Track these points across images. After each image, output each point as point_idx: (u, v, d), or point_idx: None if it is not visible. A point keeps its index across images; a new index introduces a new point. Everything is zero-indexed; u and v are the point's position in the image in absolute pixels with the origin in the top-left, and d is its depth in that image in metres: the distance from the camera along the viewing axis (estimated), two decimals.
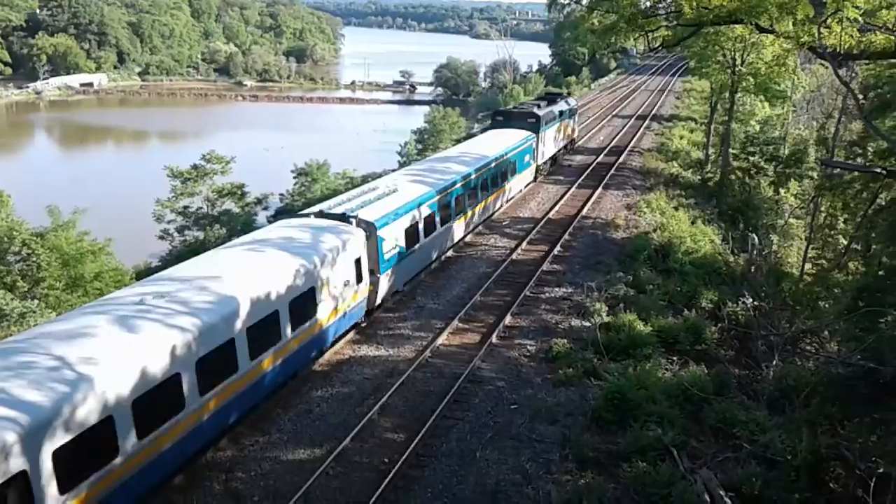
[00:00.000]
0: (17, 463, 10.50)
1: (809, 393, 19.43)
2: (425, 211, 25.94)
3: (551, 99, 50.01)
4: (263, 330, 16.50)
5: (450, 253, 29.36)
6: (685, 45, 48.09)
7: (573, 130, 52.66)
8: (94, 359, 12.53)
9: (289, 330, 17.58)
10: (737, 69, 44.98)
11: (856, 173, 31.22)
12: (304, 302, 18.13)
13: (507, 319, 23.22)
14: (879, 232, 29.71)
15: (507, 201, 37.03)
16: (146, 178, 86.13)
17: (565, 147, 50.42)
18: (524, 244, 31.08)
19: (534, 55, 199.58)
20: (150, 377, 13.10)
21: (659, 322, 23.37)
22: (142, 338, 13.53)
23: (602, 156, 51.74)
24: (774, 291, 28.69)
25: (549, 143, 44.53)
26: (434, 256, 27.63)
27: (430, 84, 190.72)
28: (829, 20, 13.79)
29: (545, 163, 44.46)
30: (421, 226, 25.61)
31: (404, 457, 15.67)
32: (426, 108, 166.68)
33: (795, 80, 48.13)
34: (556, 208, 37.36)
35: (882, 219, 29.11)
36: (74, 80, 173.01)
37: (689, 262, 31.33)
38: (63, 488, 11.38)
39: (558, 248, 30.60)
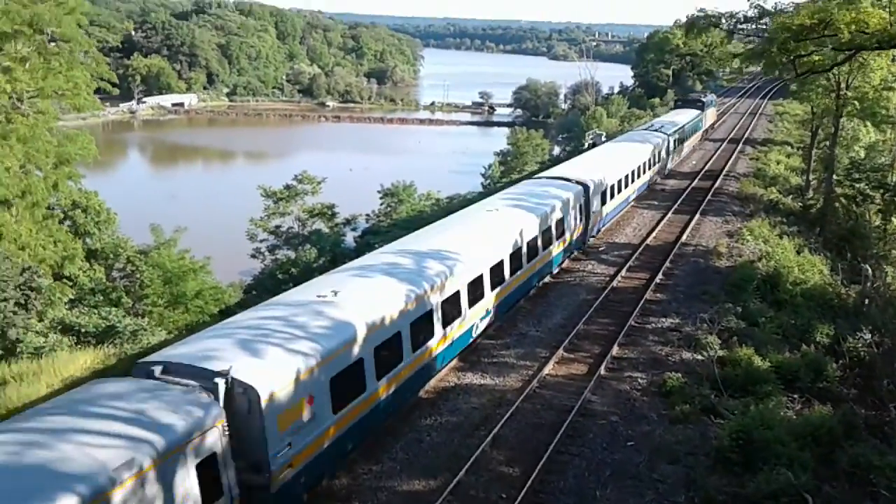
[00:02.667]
0: None
1: None
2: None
3: (701, 95, 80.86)
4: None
5: (547, 279, 28.70)
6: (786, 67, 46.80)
7: (714, 115, 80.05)
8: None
9: None
10: (842, 93, 43.22)
11: None
12: None
13: (615, 350, 22.43)
14: None
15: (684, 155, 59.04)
16: (234, 197, 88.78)
17: (711, 125, 76.76)
18: (624, 271, 30.21)
19: (615, 76, 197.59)
20: None
21: (777, 357, 22.20)
22: None
23: (697, 180, 50.33)
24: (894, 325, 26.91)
25: (708, 119, 72.95)
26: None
27: (510, 105, 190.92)
28: None
29: (705, 131, 71.39)
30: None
31: (522, 493, 15.09)
32: (505, 130, 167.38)
33: None
34: (654, 234, 36.33)
35: None
36: (166, 100, 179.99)
37: (799, 293, 29.96)
38: None
39: (660, 275, 29.61)
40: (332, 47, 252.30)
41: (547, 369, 21.02)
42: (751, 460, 16.70)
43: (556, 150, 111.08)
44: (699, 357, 22.38)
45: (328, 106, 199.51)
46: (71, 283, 30.71)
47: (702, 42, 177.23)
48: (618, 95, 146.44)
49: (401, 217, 60.04)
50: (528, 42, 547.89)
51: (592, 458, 16.88)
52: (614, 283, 28.63)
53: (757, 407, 18.43)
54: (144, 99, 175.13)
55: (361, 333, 15.46)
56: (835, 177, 46.95)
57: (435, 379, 19.99)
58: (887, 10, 14.70)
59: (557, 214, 28.18)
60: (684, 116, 61.13)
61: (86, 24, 34.26)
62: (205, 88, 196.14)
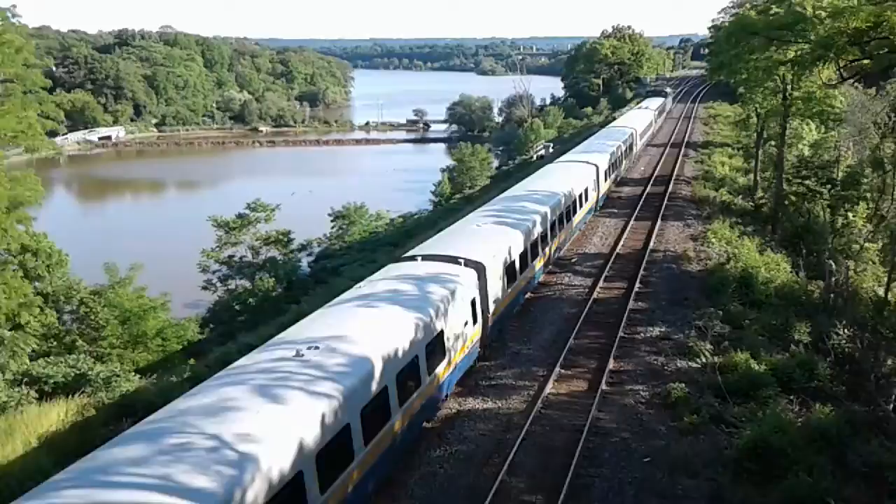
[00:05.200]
0: None
1: None
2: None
3: (664, 87, 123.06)
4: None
5: (528, 294, 28.27)
6: (732, 70, 47.69)
7: (671, 101, 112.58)
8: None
9: None
10: (788, 93, 44.24)
11: None
12: None
13: (611, 364, 22.05)
14: None
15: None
16: (171, 229, 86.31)
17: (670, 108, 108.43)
18: (601, 282, 29.99)
19: (544, 88, 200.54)
20: None
21: (771, 360, 22.17)
22: None
23: (650, 186, 50.86)
24: (874, 321, 27.35)
25: (669, 104, 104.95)
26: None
27: (444, 121, 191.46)
28: None
29: (670, 110, 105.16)
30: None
31: None
32: (442, 146, 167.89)
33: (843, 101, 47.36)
34: (622, 242, 36.35)
35: None
36: (93, 134, 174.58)
37: (772, 293, 30.23)
38: None
39: (638, 284, 29.48)
40: (262, 73, 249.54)
41: (548, 388, 20.49)
42: (769, 468, 16.46)
43: (495, 163, 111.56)
44: (695, 365, 22.20)
45: (261, 131, 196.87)
46: (32, 333, 28.92)
47: (629, 51, 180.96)
48: (553, 106, 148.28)
49: (354, 239, 59.17)
50: (456, 58, 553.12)
51: (613, 478, 16.37)
52: (595, 295, 28.37)
53: (766, 414, 18.26)
54: (67, 135, 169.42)
55: None
56: (784, 175, 47.97)
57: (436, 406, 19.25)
58: None
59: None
60: (658, 100, 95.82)
61: (32, 63, 32.53)
62: (132, 120, 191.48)
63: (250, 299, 45.23)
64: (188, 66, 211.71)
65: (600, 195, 43.42)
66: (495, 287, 22.85)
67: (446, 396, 19.56)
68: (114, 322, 32.57)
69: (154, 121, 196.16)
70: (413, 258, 21.95)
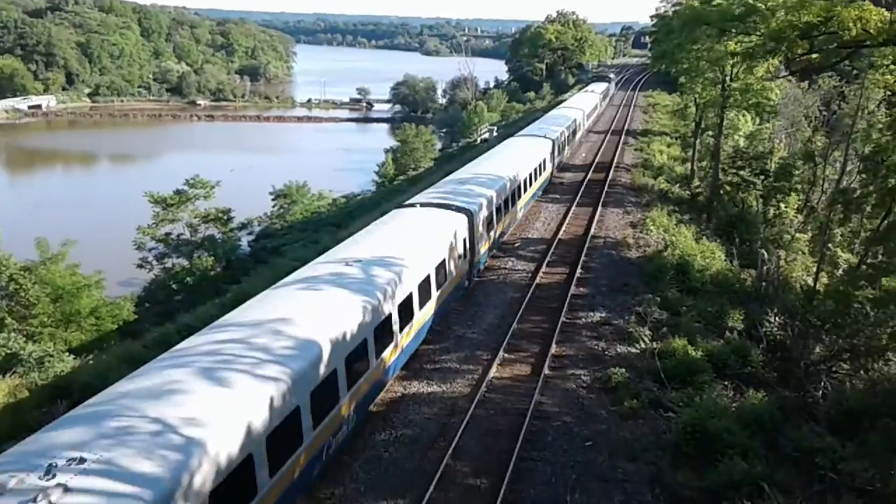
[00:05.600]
0: None
1: (874, 416, 19.07)
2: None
3: (608, 73, 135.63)
4: None
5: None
6: (674, 59, 48.55)
7: (614, 86, 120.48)
8: None
9: None
10: (727, 85, 45.25)
11: (870, 187, 31.34)
12: None
13: (554, 349, 22.37)
14: (891, 247, 29.65)
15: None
16: (104, 204, 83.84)
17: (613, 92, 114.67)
18: (544, 267, 30.31)
19: (488, 71, 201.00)
20: None
21: (707, 346, 22.81)
22: None
23: (591, 172, 51.52)
24: (804, 310, 28.36)
25: (612, 88, 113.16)
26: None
27: (388, 101, 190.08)
28: None
29: (613, 94, 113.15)
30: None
31: None
32: (385, 126, 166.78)
33: (778, 94, 48.78)
34: (564, 228, 36.77)
35: None
36: (22, 102, 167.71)
37: (707, 280, 31.05)
38: None
39: (580, 270, 29.91)
40: (201, 44, 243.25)
41: (492, 372, 20.67)
42: (706, 452, 16.96)
43: (438, 145, 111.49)
44: (634, 350, 22.69)
45: (200, 105, 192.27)
46: None
47: (572, 37, 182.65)
48: (497, 90, 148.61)
49: (295, 218, 58.45)
50: (400, 37, 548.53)
51: (556, 461, 16.66)
52: (538, 280, 28.66)
53: (703, 399, 18.79)
54: None
55: None
56: (720, 165, 49.15)
57: (381, 391, 19.24)
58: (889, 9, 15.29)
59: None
60: (603, 84, 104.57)
61: None
62: (64, 89, 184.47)
63: (188, 278, 44.31)
64: (124, 34, 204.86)
65: (544, 181, 43.81)
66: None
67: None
68: (45, 300, 31.47)
69: (87, 90, 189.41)
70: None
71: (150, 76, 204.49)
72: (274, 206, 60.94)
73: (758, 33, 21.64)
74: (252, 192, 67.29)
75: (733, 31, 30.42)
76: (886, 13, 15.37)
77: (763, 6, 25.06)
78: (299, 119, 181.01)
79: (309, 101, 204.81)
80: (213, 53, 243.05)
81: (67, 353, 22.42)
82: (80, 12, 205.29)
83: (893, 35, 14.88)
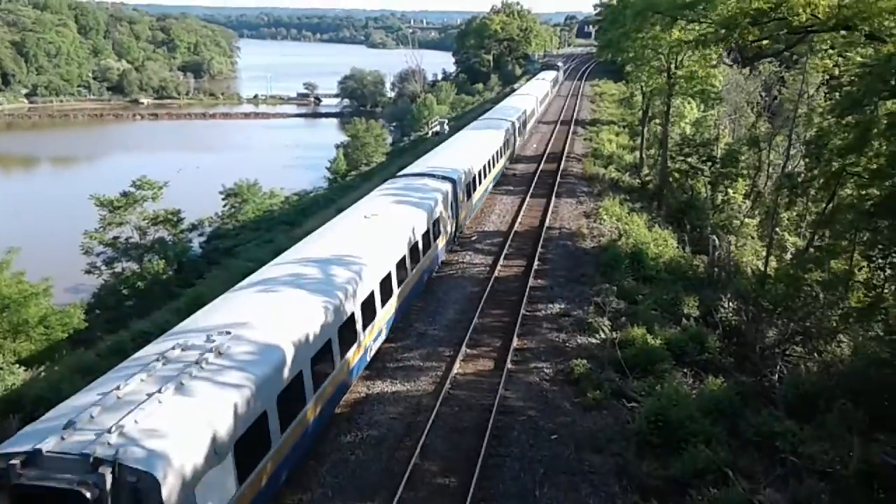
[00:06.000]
0: None
1: (830, 398, 19.55)
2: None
3: (557, 62, 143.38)
4: None
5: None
6: (620, 48, 49.01)
7: (562, 74, 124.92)
8: None
9: None
10: (672, 73, 45.88)
11: (815, 171, 32.09)
12: None
13: (515, 342, 22.43)
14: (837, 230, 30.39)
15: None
16: (46, 207, 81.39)
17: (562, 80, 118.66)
18: (502, 259, 30.40)
19: (435, 63, 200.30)
20: None
21: (665, 334, 23.14)
22: None
23: (543, 163, 51.83)
24: (756, 295, 28.96)
25: (561, 76, 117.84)
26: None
27: (336, 96, 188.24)
28: None
29: (561, 83, 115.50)
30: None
31: None
32: (334, 121, 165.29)
33: (721, 80, 49.64)
34: (519, 220, 36.93)
35: (843, 216, 29.68)
36: None
37: (662, 268, 31.50)
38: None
39: (537, 261, 30.05)
40: (141, 41, 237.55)
41: (455, 369, 20.65)
42: (670, 441, 17.19)
43: (389, 139, 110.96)
44: (594, 340, 22.90)
45: (143, 103, 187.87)
46: None
47: (517, 27, 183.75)
48: (445, 82, 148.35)
49: (247, 218, 57.62)
50: (346, 30, 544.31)
51: (523, 456, 16.71)
52: (496, 273, 28.72)
53: (664, 387, 19.03)
54: None
55: None
56: (668, 152, 49.88)
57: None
58: None
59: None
60: (552, 73, 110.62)
61: None
62: (0, 90, 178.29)
63: (139, 283, 43.29)
64: (60, 31, 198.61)
65: (498, 173, 43.92)
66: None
67: None
68: None
69: (24, 91, 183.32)
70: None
71: (90, 75, 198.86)
72: (225, 206, 59.95)
73: (708, 20, 21.93)
74: (201, 192, 66.13)
75: (683, 19, 30.87)
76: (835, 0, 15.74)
77: None
78: (246, 116, 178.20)
79: (255, 97, 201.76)
80: (154, 50, 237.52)
81: (17, 365, 21.71)
82: (13, 10, 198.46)
83: (842, 19, 15.21)
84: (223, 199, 60.06)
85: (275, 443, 13.61)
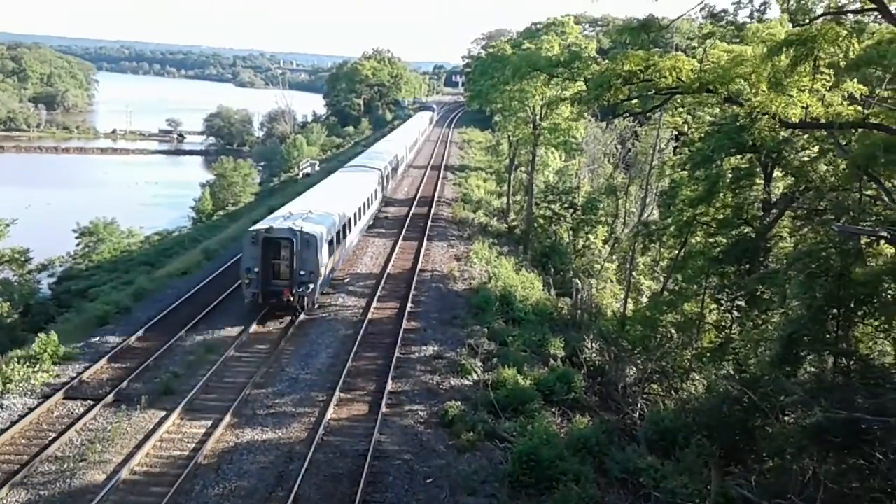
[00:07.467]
0: None
1: (687, 434, 20.63)
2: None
3: (431, 105, 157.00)
4: None
5: (303, 317, 27.89)
6: (489, 99, 50.82)
7: (436, 115, 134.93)
8: None
9: None
10: (538, 124, 48.00)
11: (668, 219, 34.25)
12: None
13: (390, 385, 22.33)
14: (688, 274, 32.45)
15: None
16: None
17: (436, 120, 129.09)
18: (375, 302, 30.33)
19: (306, 104, 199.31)
20: None
21: (534, 375, 23.75)
22: None
23: (414, 206, 52.43)
24: (616, 335, 30.32)
25: (435, 116, 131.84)
26: None
27: (201, 133, 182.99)
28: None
29: (436, 120, 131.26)
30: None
31: None
32: (198, 159, 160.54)
33: (582, 133, 52.41)
34: (392, 262, 37.06)
35: (694, 262, 31.75)
36: None
37: (530, 310, 32.43)
38: None
39: (410, 304, 30.20)
40: None
41: (329, 414, 20.26)
42: (541, 480, 17.55)
43: (258, 179, 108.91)
44: (467, 382, 23.18)
45: None
46: None
47: (388, 73, 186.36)
48: (316, 124, 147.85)
49: (103, 258, 54.53)
50: (212, 68, 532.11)
51: (399, 501, 16.57)
52: (370, 316, 28.62)
53: (535, 427, 19.45)
54: None
55: None
56: (533, 199, 51.83)
57: (212, 440, 18.29)
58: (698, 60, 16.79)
59: None
60: (428, 114, 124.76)
61: None
62: None
63: None
64: None
65: (371, 216, 44.04)
66: None
67: None
68: None
69: None
70: None
71: None
72: (78, 245, 56.49)
73: (582, 79, 23.62)
74: (52, 230, 62.25)
75: (559, 77, 33.09)
76: (697, 63, 17.10)
77: (587, 54, 27.71)
78: (103, 151, 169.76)
79: (114, 131, 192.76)
80: (2, 79, 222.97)
81: None
82: None
83: (704, 83, 16.53)
84: (76, 238, 56.64)
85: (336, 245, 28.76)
